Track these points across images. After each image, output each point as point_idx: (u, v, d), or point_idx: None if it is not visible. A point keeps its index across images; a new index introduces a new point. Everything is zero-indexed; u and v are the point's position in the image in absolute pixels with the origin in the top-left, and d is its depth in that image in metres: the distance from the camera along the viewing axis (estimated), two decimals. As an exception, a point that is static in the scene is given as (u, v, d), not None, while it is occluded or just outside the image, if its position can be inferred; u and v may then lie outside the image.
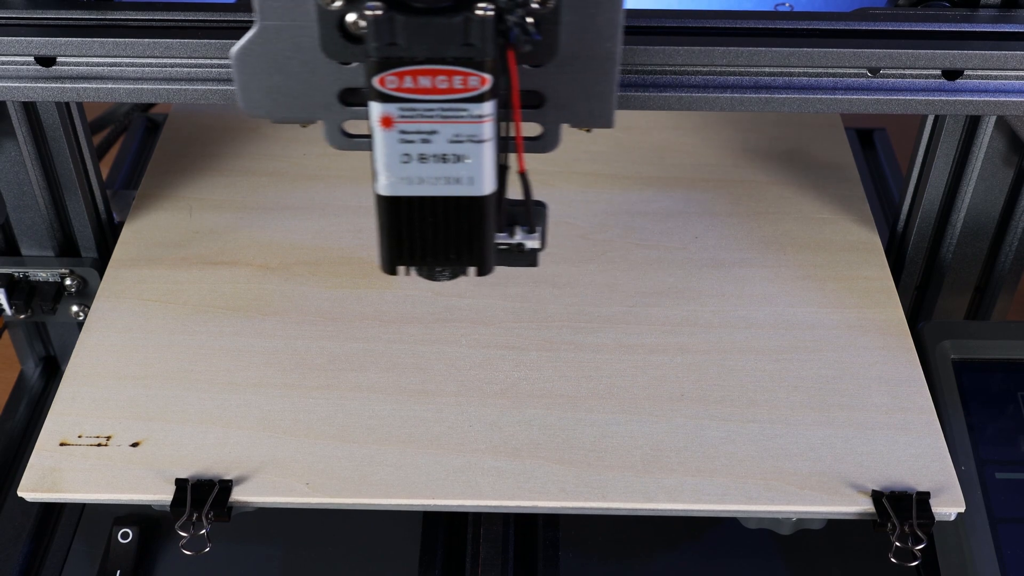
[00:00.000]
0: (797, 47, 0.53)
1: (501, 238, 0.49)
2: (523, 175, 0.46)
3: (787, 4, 0.60)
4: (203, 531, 0.56)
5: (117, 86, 0.55)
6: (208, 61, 0.54)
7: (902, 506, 0.55)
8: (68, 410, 0.60)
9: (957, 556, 0.59)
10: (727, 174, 0.77)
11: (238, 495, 0.56)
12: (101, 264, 0.70)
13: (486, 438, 0.59)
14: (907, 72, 0.54)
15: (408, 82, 0.41)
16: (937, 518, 0.55)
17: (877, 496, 0.56)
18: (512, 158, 0.46)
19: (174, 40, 0.54)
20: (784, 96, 0.54)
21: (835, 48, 0.53)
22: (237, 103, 0.46)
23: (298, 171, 0.77)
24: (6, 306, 0.71)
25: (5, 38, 0.53)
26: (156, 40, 0.54)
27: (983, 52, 0.53)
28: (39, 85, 0.55)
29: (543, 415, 0.60)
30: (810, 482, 0.57)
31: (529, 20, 0.42)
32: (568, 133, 0.80)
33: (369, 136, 0.44)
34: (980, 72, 0.54)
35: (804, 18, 0.54)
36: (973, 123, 0.66)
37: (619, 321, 0.66)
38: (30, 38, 0.53)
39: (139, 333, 0.65)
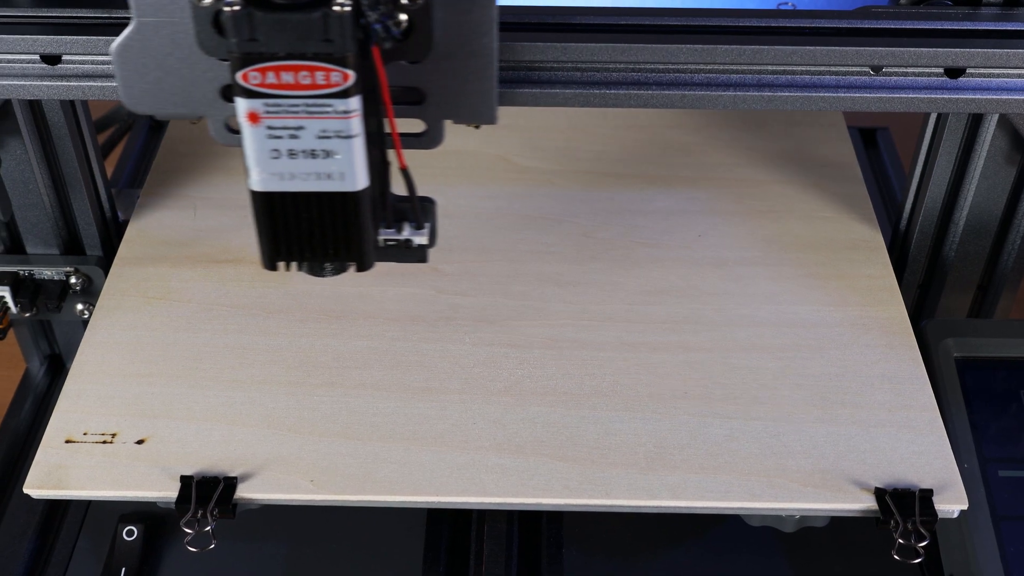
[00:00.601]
0: (799, 45, 0.53)
1: (389, 234, 0.49)
2: (404, 171, 0.47)
3: (789, 3, 0.60)
4: (208, 528, 0.56)
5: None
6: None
7: (905, 503, 0.56)
8: (73, 407, 0.60)
9: (960, 553, 0.59)
10: (730, 173, 0.77)
11: (243, 492, 0.56)
12: (106, 262, 0.71)
13: (490, 435, 0.59)
14: (909, 70, 0.54)
15: (271, 78, 0.42)
16: (940, 515, 0.56)
17: (880, 493, 0.56)
18: (393, 153, 0.46)
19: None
20: (786, 94, 0.54)
21: (837, 46, 0.53)
22: (121, 99, 0.47)
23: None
24: (11, 304, 0.71)
25: (10, 36, 0.53)
26: (161, 39, 0.54)
27: (985, 50, 0.53)
28: (44, 83, 0.55)
29: (546, 412, 0.60)
30: (813, 479, 0.57)
31: (403, 17, 0.42)
32: (570, 134, 0.80)
33: None
34: (982, 70, 0.54)
35: (806, 16, 0.54)
36: (975, 121, 0.66)
37: (622, 319, 0.66)
38: (35, 36, 0.54)
39: (144, 331, 0.65)
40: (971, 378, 0.65)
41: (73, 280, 0.71)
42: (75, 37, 0.53)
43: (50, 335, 0.78)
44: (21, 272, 0.71)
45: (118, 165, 0.90)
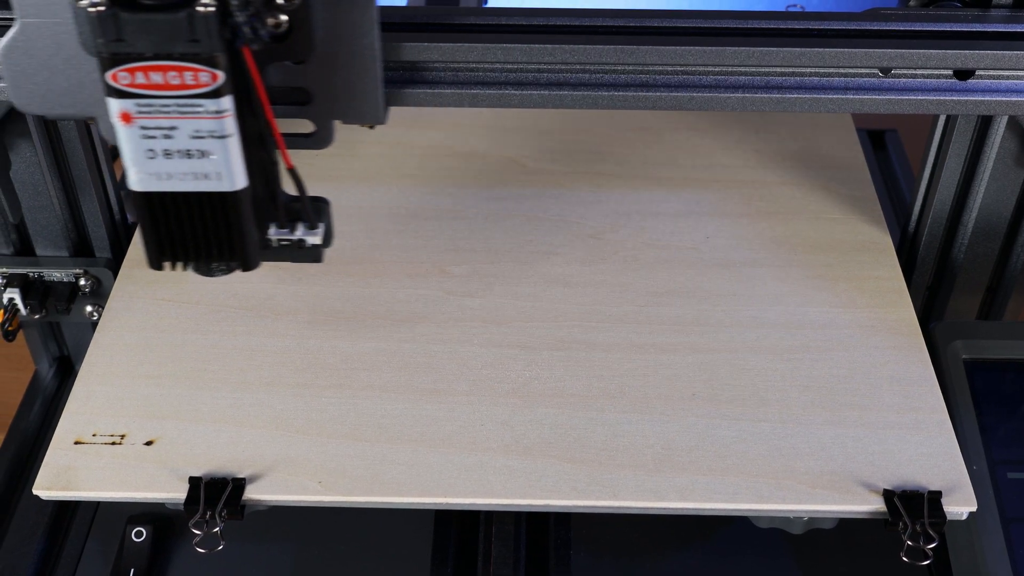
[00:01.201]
0: (808, 47, 0.53)
1: (282, 234, 0.50)
2: (292, 171, 0.47)
3: (798, 4, 0.60)
4: (216, 529, 0.56)
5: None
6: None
7: (914, 505, 0.55)
8: (82, 409, 0.61)
9: (969, 555, 0.59)
10: (738, 174, 0.77)
11: (251, 493, 0.57)
12: (115, 264, 0.71)
13: (498, 437, 0.59)
14: (918, 72, 0.54)
15: (140, 78, 0.42)
16: (949, 517, 0.55)
17: (889, 495, 0.56)
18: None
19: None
20: (795, 96, 0.54)
21: (846, 48, 0.53)
22: (11, 100, 0.47)
23: (309, 171, 0.77)
24: (21, 306, 0.71)
25: None
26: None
27: (995, 52, 0.53)
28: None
29: (554, 414, 0.60)
30: (821, 481, 0.57)
31: (283, 17, 0.43)
32: (578, 136, 0.80)
33: None
34: (992, 72, 0.54)
35: (815, 18, 0.54)
36: (985, 123, 0.66)
37: (630, 320, 0.66)
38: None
39: (152, 332, 0.65)
40: (980, 380, 0.65)
41: (82, 282, 0.72)
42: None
43: (59, 337, 0.78)
44: (31, 274, 0.72)
45: (127, 167, 0.90)
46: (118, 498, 0.57)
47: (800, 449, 0.58)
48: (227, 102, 0.42)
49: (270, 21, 0.44)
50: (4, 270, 0.71)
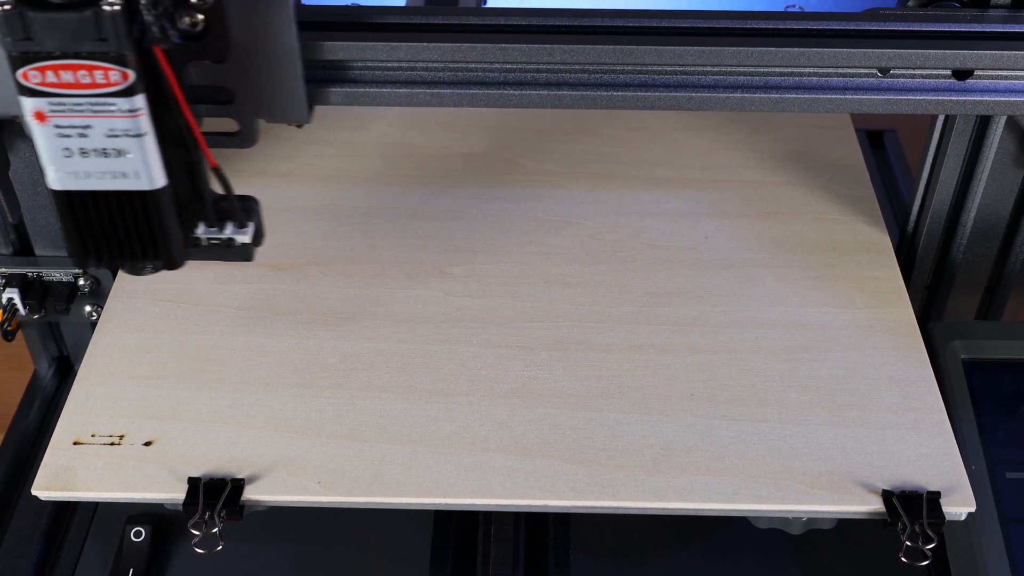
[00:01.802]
0: (807, 47, 0.53)
1: (211, 233, 0.50)
2: (217, 170, 0.47)
3: (797, 5, 0.60)
4: (215, 530, 0.56)
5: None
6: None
7: (912, 506, 0.55)
8: (81, 409, 0.61)
9: (967, 556, 0.59)
10: (737, 175, 0.77)
11: (250, 494, 0.57)
12: (114, 264, 0.71)
13: (497, 437, 0.59)
14: (917, 72, 0.54)
15: (51, 76, 0.42)
16: (948, 518, 0.55)
17: (887, 496, 0.56)
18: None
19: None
20: (794, 96, 0.54)
21: (845, 48, 0.53)
22: None
23: (309, 172, 0.77)
24: (20, 306, 0.71)
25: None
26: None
27: (993, 52, 0.53)
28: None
29: (553, 414, 0.60)
30: (820, 482, 0.57)
31: (199, 16, 0.43)
32: (577, 136, 0.80)
33: None
34: (990, 72, 0.54)
35: (814, 18, 0.54)
36: (983, 123, 0.66)
37: (629, 321, 0.66)
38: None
39: (151, 333, 0.65)
40: (979, 380, 0.65)
41: (81, 282, 0.72)
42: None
43: (58, 337, 0.78)
44: (30, 274, 0.72)
45: (126, 167, 0.90)
46: (117, 498, 0.57)
47: (799, 449, 0.58)
48: (140, 100, 0.43)
49: (185, 20, 0.44)
50: (3, 270, 0.71)
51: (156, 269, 0.49)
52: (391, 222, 0.73)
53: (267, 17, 0.45)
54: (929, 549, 0.55)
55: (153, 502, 0.58)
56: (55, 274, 0.72)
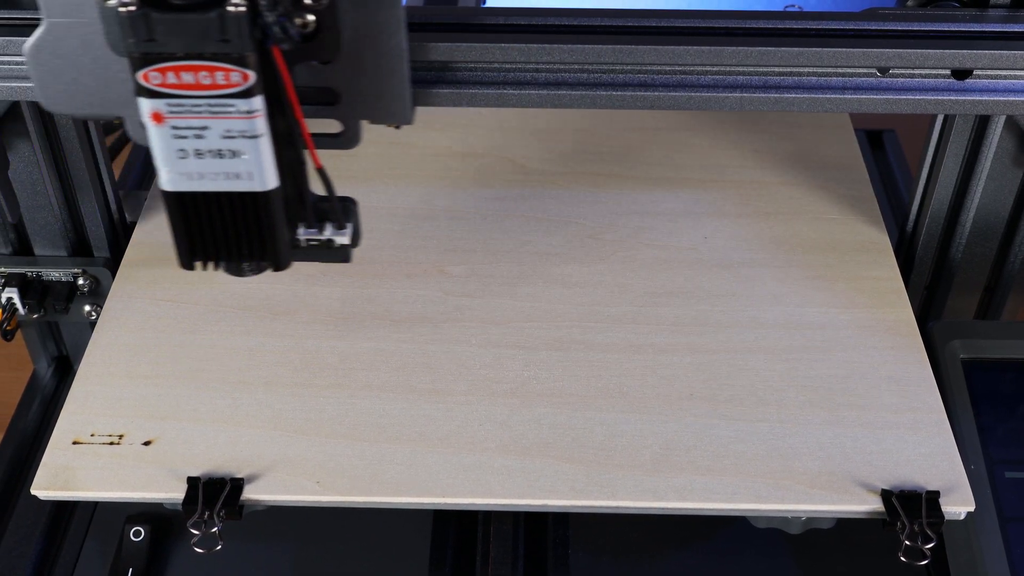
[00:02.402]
0: (806, 47, 0.53)
1: (310, 233, 0.50)
2: (321, 171, 0.47)
3: (796, 4, 0.60)
4: (215, 529, 0.56)
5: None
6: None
7: (912, 505, 0.55)
8: (80, 409, 0.61)
9: (967, 555, 0.59)
10: (736, 174, 0.77)
11: (249, 493, 0.57)
12: (113, 264, 0.71)
13: (496, 437, 0.59)
14: (916, 72, 0.54)
15: (171, 78, 0.42)
16: (947, 517, 0.55)
17: (887, 495, 0.56)
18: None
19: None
20: (793, 96, 0.54)
21: (844, 48, 0.53)
22: (39, 99, 0.47)
23: (308, 171, 0.77)
24: (19, 305, 0.71)
25: (19, 38, 0.54)
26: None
27: (993, 52, 0.53)
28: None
29: (553, 414, 0.60)
30: (819, 481, 0.57)
31: (310, 17, 0.43)
32: (577, 136, 0.80)
33: None
34: (990, 72, 0.54)
35: (813, 18, 0.54)
36: (982, 123, 0.66)
37: (628, 321, 0.66)
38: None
39: (151, 332, 0.65)
40: (978, 380, 0.65)
41: (81, 282, 0.72)
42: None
43: (58, 336, 0.78)
44: (29, 273, 0.72)
45: (126, 167, 0.90)
46: (116, 498, 0.57)
47: (798, 449, 0.58)
48: (258, 102, 0.42)
49: (297, 21, 0.44)
50: (2, 269, 0.71)
51: (255, 271, 0.49)
52: (390, 222, 0.73)
53: (378, 18, 0.44)
54: (928, 549, 0.55)
55: (152, 502, 0.58)
56: (54, 274, 0.72)
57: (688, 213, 0.74)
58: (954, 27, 0.54)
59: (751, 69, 0.54)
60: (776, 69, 0.54)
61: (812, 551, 0.65)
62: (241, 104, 0.42)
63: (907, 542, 0.55)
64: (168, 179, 0.45)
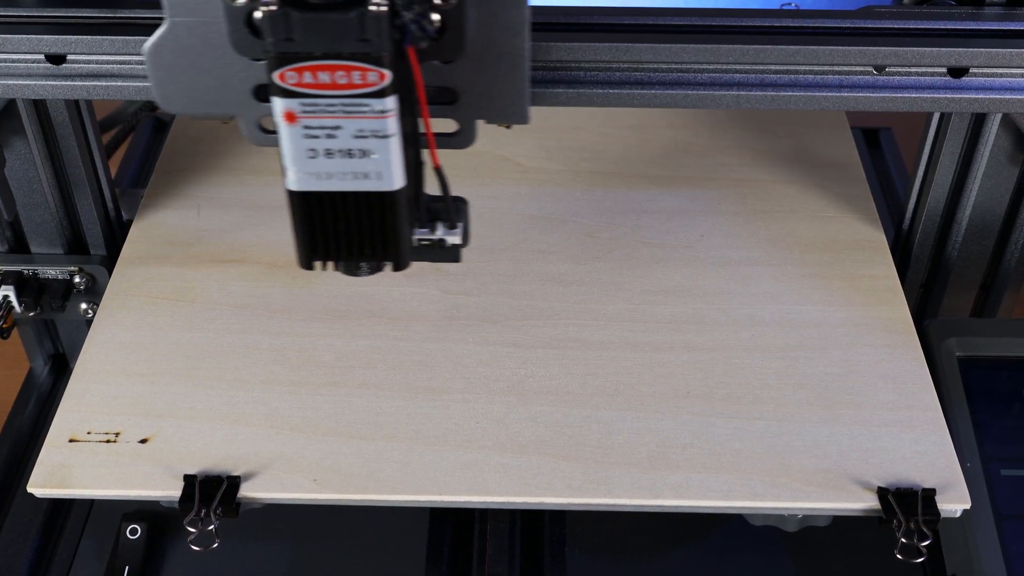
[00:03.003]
0: (803, 45, 0.53)
1: (422, 233, 0.49)
2: (438, 170, 0.46)
3: (792, 3, 0.60)
4: (211, 527, 0.56)
5: (126, 84, 0.55)
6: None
7: (908, 503, 0.56)
8: (77, 407, 0.60)
9: (962, 552, 0.59)
10: (733, 173, 0.77)
11: (246, 491, 0.57)
12: (110, 262, 0.71)
13: (492, 435, 0.59)
14: (912, 70, 0.54)
15: (307, 77, 0.42)
16: (943, 515, 0.56)
17: (883, 493, 0.56)
18: (428, 153, 0.46)
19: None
20: (790, 94, 0.54)
21: (841, 46, 0.53)
22: (155, 100, 0.47)
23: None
24: (16, 303, 0.71)
25: (16, 36, 0.54)
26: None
27: (988, 50, 0.53)
28: (49, 83, 0.55)
29: (549, 412, 0.60)
30: (816, 479, 0.57)
31: (435, 17, 0.42)
32: (573, 134, 0.80)
33: None
34: (985, 70, 0.54)
35: (809, 16, 0.54)
36: (978, 121, 0.66)
37: (625, 319, 0.66)
38: (40, 36, 0.54)
39: (148, 330, 0.65)
40: (974, 377, 0.65)
41: (77, 279, 0.72)
42: (79, 37, 0.54)
43: (54, 334, 0.78)
44: (25, 271, 0.72)
45: (122, 165, 0.90)
46: (113, 496, 0.57)
47: (795, 447, 0.58)
48: (392, 102, 0.42)
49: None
50: (-1, 268, 0.71)
51: (372, 271, 0.49)
52: (387, 220, 0.73)
53: (503, 17, 0.44)
54: (924, 546, 0.55)
55: (149, 499, 0.57)
56: (51, 271, 0.72)
57: (685, 211, 0.74)
58: (950, 25, 0.54)
59: (748, 67, 0.54)
60: (773, 67, 0.54)
61: (808, 549, 0.65)
62: (375, 104, 0.42)
63: (903, 540, 0.55)
64: (296, 179, 0.45)
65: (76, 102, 0.67)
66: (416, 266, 0.69)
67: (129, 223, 0.73)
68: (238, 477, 0.57)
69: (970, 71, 0.54)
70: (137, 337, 0.64)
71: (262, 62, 0.44)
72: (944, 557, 0.61)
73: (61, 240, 0.72)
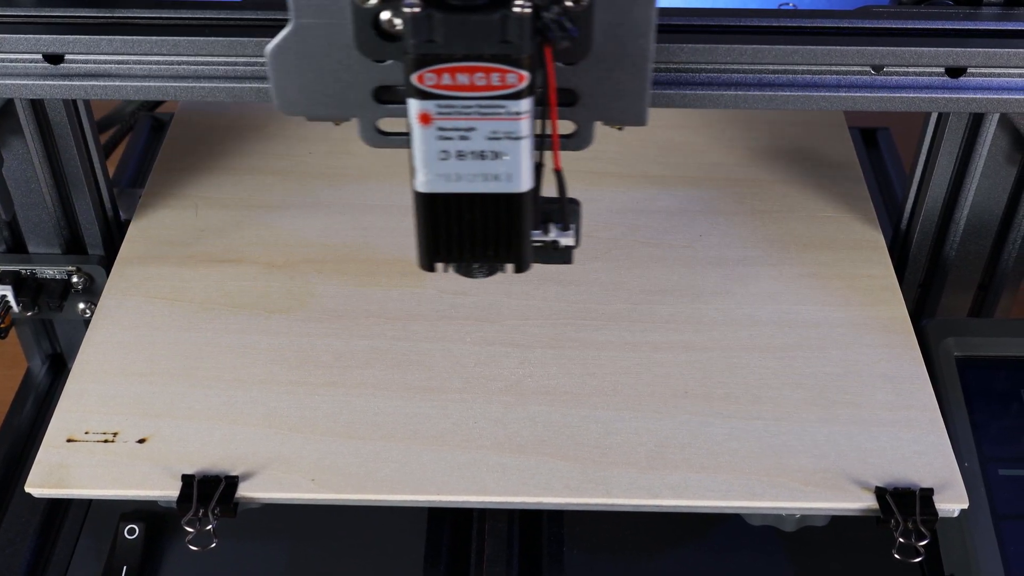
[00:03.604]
0: (800, 45, 0.53)
1: (536, 235, 0.49)
2: (558, 172, 0.46)
3: (790, 2, 0.60)
4: (209, 527, 0.56)
5: (125, 84, 0.55)
6: (215, 59, 0.54)
7: (906, 503, 0.56)
8: (75, 407, 0.60)
9: (960, 552, 0.59)
10: (731, 172, 0.77)
11: (244, 491, 0.57)
12: (108, 262, 0.71)
13: (491, 434, 0.59)
14: (910, 70, 0.54)
15: (446, 79, 0.41)
16: (940, 514, 0.56)
17: (881, 493, 0.56)
18: (547, 155, 0.46)
19: (181, 38, 0.54)
20: (787, 94, 0.54)
21: (838, 46, 0.53)
22: (273, 102, 0.46)
23: (303, 169, 0.77)
24: (13, 303, 0.71)
25: (13, 36, 0.54)
26: (163, 38, 0.54)
27: (986, 50, 0.53)
28: (47, 83, 0.55)
29: (548, 412, 0.60)
30: (814, 479, 0.57)
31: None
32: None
33: (403, 134, 0.44)
34: (983, 70, 0.54)
35: (807, 16, 0.54)
36: (976, 121, 0.66)
37: (623, 318, 0.66)
38: (38, 36, 0.54)
39: (145, 330, 0.65)
40: (972, 377, 0.65)
41: (75, 279, 0.72)
42: (77, 36, 0.54)
43: (52, 334, 0.78)
44: (23, 271, 0.72)
45: (120, 165, 0.90)
46: (111, 496, 0.57)
47: (793, 447, 0.58)
48: (527, 104, 0.42)
49: None
50: (-4, 267, 0.71)
51: (487, 273, 0.49)
52: (385, 219, 0.73)
53: (631, 19, 0.44)
54: (922, 546, 0.55)
55: (147, 499, 0.57)
56: (48, 271, 0.72)
57: (683, 211, 0.74)
58: (948, 25, 0.54)
59: (745, 67, 0.54)
60: (770, 67, 0.54)
61: (806, 548, 0.65)
62: (511, 105, 0.42)
63: (901, 539, 0.55)
64: (425, 180, 0.44)
65: (74, 102, 0.67)
66: (413, 266, 0.69)
67: (127, 223, 0.73)
68: (236, 477, 0.57)
69: (968, 71, 0.54)
70: (135, 337, 0.64)
71: (384, 64, 0.44)
72: (942, 557, 0.61)
73: (59, 240, 0.71)
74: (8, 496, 0.69)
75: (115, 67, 0.54)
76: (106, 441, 0.59)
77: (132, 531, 0.66)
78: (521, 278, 0.68)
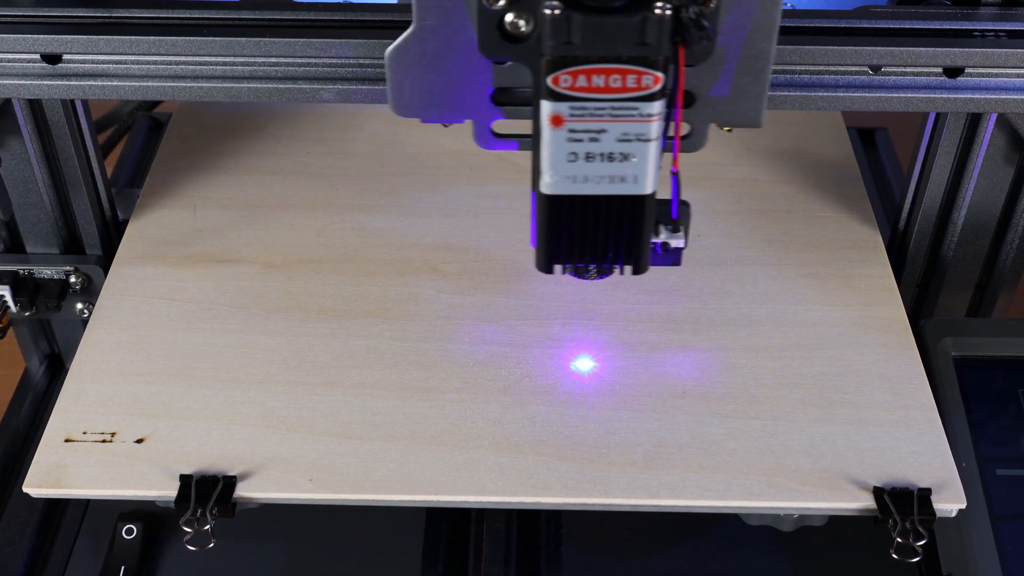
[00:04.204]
0: (799, 45, 0.53)
1: None
2: (675, 174, 0.46)
3: (788, 2, 0.60)
4: (207, 527, 0.56)
5: (122, 84, 0.55)
6: (213, 59, 0.55)
7: (903, 502, 0.56)
8: (73, 407, 0.60)
9: (958, 552, 0.59)
10: (729, 172, 0.77)
11: (242, 491, 0.56)
12: (106, 262, 0.71)
13: (489, 434, 0.59)
14: (908, 70, 0.54)
15: (582, 81, 0.41)
16: (938, 514, 0.56)
17: (878, 492, 0.56)
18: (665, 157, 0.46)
19: (179, 38, 0.54)
20: (786, 94, 0.54)
21: (836, 46, 0.53)
22: (389, 104, 0.46)
23: (301, 169, 0.77)
24: (11, 303, 0.71)
25: (11, 36, 0.54)
26: (161, 38, 0.54)
27: (984, 50, 0.53)
28: (45, 83, 0.55)
29: (546, 412, 0.60)
30: (812, 478, 0.57)
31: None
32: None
33: (520, 135, 0.44)
34: (981, 70, 0.54)
35: (806, 16, 0.55)
36: (974, 121, 0.66)
37: (621, 318, 0.66)
38: (36, 35, 0.54)
39: (143, 330, 0.65)
40: (969, 377, 0.65)
41: (73, 279, 0.72)
42: (75, 36, 0.54)
43: (50, 334, 0.78)
44: (21, 271, 0.72)
45: (118, 165, 0.90)
46: (108, 496, 0.57)
47: (790, 447, 0.59)
48: (659, 106, 0.42)
49: None
50: (-6, 267, 0.71)
51: (601, 275, 0.49)
52: (383, 220, 0.73)
53: (755, 21, 0.44)
54: (920, 546, 0.55)
55: (145, 499, 0.57)
56: (46, 271, 0.72)
57: (681, 211, 0.74)
58: (946, 25, 0.54)
59: (744, 67, 0.54)
60: (769, 67, 0.54)
61: (804, 548, 0.65)
62: (644, 107, 0.42)
63: (899, 539, 0.55)
64: (552, 182, 0.44)
65: (72, 102, 0.67)
66: (411, 266, 0.69)
67: (125, 223, 0.73)
68: (234, 477, 0.57)
69: (965, 71, 0.54)
70: (133, 337, 0.64)
71: (504, 65, 0.44)
72: (940, 557, 0.61)
73: (57, 240, 0.71)
74: (6, 496, 0.69)
75: (113, 67, 0.54)
76: (104, 441, 0.59)
77: (130, 531, 0.66)
78: (520, 278, 0.68)
